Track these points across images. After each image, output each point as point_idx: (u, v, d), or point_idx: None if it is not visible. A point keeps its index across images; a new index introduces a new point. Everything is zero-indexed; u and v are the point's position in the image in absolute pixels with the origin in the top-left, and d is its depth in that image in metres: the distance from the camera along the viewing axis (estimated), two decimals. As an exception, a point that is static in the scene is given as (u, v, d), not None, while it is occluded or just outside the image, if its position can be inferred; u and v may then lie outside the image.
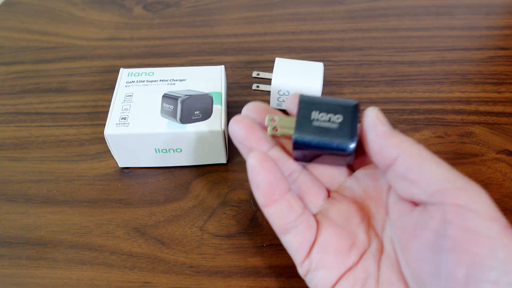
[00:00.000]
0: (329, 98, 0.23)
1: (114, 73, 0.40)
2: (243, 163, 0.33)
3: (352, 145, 0.22)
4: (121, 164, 0.33)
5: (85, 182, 0.32)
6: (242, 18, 0.46)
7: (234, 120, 0.24)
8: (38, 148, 0.35)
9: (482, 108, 0.36)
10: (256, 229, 0.29)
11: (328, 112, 0.22)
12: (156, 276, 0.27)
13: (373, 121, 0.21)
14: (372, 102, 0.37)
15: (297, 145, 0.23)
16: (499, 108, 0.36)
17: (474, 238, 0.16)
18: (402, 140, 0.20)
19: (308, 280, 0.22)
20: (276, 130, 0.24)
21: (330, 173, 0.24)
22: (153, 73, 0.33)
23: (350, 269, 0.21)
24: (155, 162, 0.32)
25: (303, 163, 0.25)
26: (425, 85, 0.38)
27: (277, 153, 0.24)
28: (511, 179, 0.31)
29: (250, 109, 0.25)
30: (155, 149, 0.31)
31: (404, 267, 0.20)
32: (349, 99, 0.23)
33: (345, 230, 0.22)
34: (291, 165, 0.24)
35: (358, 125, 0.23)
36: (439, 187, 0.18)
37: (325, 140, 0.22)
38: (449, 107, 0.36)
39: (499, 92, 0.37)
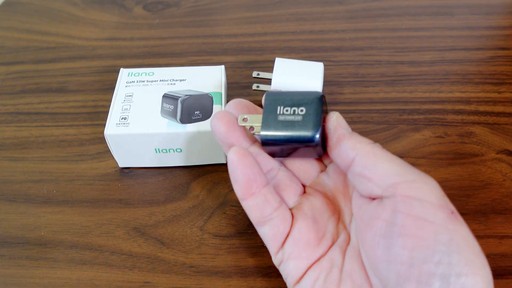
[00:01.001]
0: (295, 92, 0.24)
1: (114, 73, 0.40)
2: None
3: (317, 135, 0.23)
4: (121, 164, 0.33)
5: (85, 182, 0.32)
6: (242, 18, 0.46)
7: (216, 116, 0.25)
8: (38, 148, 0.35)
9: (482, 108, 0.36)
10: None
11: (292, 106, 0.23)
12: (156, 276, 0.27)
13: (333, 125, 0.22)
14: (372, 102, 0.37)
15: (265, 141, 0.23)
16: (499, 108, 0.36)
17: (420, 224, 0.18)
18: (358, 141, 0.21)
19: (281, 269, 0.24)
20: (252, 129, 0.24)
21: (305, 169, 0.26)
22: (153, 73, 0.33)
23: (317, 260, 0.23)
24: (155, 162, 0.32)
25: (280, 159, 0.26)
26: (425, 85, 0.38)
27: (256, 150, 0.25)
28: (511, 179, 0.31)
29: (232, 106, 0.26)
30: (155, 149, 0.31)
31: (362, 255, 0.22)
32: (315, 91, 0.24)
33: (316, 223, 0.24)
34: (270, 162, 0.25)
35: (324, 115, 0.24)
36: (392, 182, 0.20)
37: (290, 133, 0.23)
38: (449, 107, 0.36)
39: (499, 92, 0.37)
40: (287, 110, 0.23)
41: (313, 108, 0.23)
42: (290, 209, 0.25)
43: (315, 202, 0.25)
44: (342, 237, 0.24)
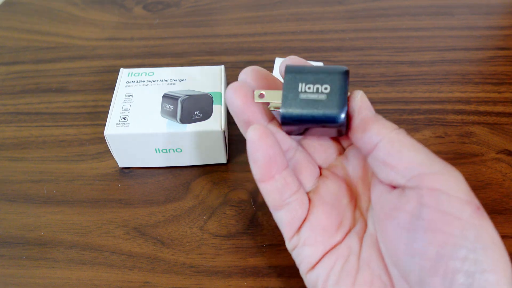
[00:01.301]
0: (317, 67, 0.22)
1: (114, 73, 0.40)
2: (243, 163, 0.33)
3: (342, 115, 0.21)
4: (121, 164, 0.33)
5: (85, 182, 0.32)
6: (242, 18, 0.46)
7: (232, 87, 0.22)
8: (38, 148, 0.35)
9: (482, 108, 0.36)
10: (256, 229, 0.29)
11: (315, 83, 0.21)
12: (156, 276, 0.27)
13: (357, 106, 0.21)
14: (372, 102, 0.36)
15: (286, 120, 0.22)
16: (499, 108, 0.36)
17: (447, 220, 0.17)
18: (383, 126, 0.20)
19: (294, 255, 0.23)
20: (268, 105, 0.23)
21: (323, 150, 0.24)
22: (153, 73, 0.33)
23: (334, 247, 0.22)
24: (155, 162, 0.32)
25: (297, 138, 0.25)
26: (425, 85, 0.38)
27: (273, 129, 0.23)
28: (511, 179, 0.31)
29: (248, 74, 0.23)
30: (155, 149, 0.31)
31: (382, 245, 0.21)
32: (339, 66, 0.22)
33: (334, 209, 0.23)
34: (287, 142, 0.24)
35: (349, 93, 0.22)
36: (416, 172, 0.19)
37: (313, 113, 0.21)
38: (449, 107, 0.36)
39: (499, 92, 0.37)
40: (309, 88, 0.21)
41: (338, 86, 0.21)
42: (307, 193, 0.24)
43: (332, 187, 0.23)
44: (359, 224, 0.23)
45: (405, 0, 0.47)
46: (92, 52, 0.43)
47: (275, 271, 0.27)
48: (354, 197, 0.24)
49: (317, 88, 0.21)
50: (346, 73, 0.22)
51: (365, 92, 0.38)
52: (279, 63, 0.34)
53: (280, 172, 0.22)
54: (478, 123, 0.35)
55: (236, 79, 0.39)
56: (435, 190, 0.18)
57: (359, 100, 0.21)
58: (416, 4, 0.46)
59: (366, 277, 0.21)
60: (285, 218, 0.23)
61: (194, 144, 0.31)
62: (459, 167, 0.32)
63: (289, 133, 0.24)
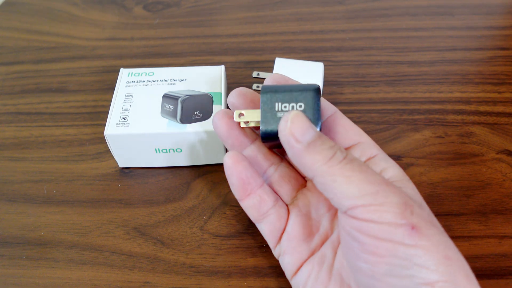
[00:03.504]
0: (291, 86, 0.24)
1: (114, 73, 0.40)
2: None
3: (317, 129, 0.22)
4: (121, 164, 0.33)
5: (85, 182, 0.32)
6: (242, 18, 0.46)
7: (217, 116, 0.25)
8: (38, 148, 0.35)
9: (482, 108, 0.36)
10: (256, 229, 0.29)
11: (290, 102, 0.23)
12: (156, 276, 0.27)
13: (286, 139, 0.21)
14: (372, 102, 0.37)
15: (265, 137, 0.23)
16: (499, 108, 0.36)
17: (377, 243, 0.19)
18: (314, 160, 0.20)
19: (280, 262, 0.25)
20: (247, 123, 0.24)
21: None
22: (153, 73, 0.33)
23: (312, 255, 0.24)
24: (155, 162, 0.32)
25: (281, 153, 0.27)
26: (425, 85, 0.38)
27: (256, 148, 0.26)
28: (511, 179, 0.31)
29: (234, 96, 0.26)
30: (155, 149, 0.31)
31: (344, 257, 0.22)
32: (310, 84, 0.23)
33: (310, 220, 0.25)
34: (270, 159, 0.26)
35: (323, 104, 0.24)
36: (349, 205, 0.19)
37: None
38: (449, 107, 0.36)
39: (499, 92, 0.37)
40: (285, 107, 0.23)
41: (311, 103, 0.23)
42: (287, 205, 0.25)
43: (312, 198, 0.25)
44: (336, 234, 0.24)
45: (405, 0, 0.47)
46: (92, 52, 0.43)
47: (275, 271, 0.27)
48: (333, 206, 0.25)
49: (292, 106, 0.23)
50: (317, 90, 0.23)
51: (366, 92, 0.38)
52: (279, 63, 0.34)
53: (255, 191, 0.24)
54: (478, 123, 0.35)
55: (236, 79, 0.39)
56: (365, 221, 0.19)
57: (288, 129, 0.21)
58: (416, 4, 0.46)
59: (337, 286, 0.22)
60: (265, 229, 0.25)
61: (194, 144, 0.31)
62: (459, 167, 0.32)
63: (270, 147, 0.26)
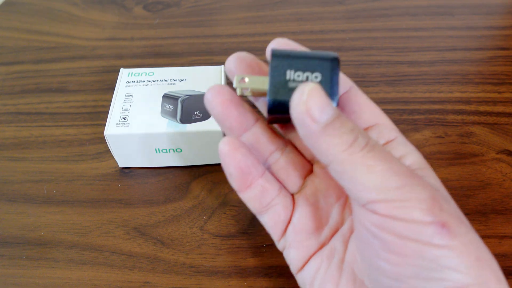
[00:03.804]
0: (306, 53, 0.20)
1: (114, 73, 0.40)
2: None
3: (334, 105, 0.19)
4: (121, 164, 0.33)
5: (85, 182, 0.32)
6: (242, 18, 0.46)
7: (211, 92, 0.21)
8: (38, 148, 0.35)
9: (482, 108, 0.36)
10: (256, 229, 0.29)
11: (304, 70, 0.20)
12: (156, 276, 0.27)
13: (301, 117, 0.17)
14: (372, 102, 0.36)
15: (273, 111, 0.20)
16: (499, 108, 0.36)
17: (403, 243, 0.17)
18: (331, 144, 0.17)
19: (284, 256, 0.23)
20: (247, 91, 0.21)
21: None
22: (153, 73, 0.33)
23: (320, 248, 0.22)
24: (155, 162, 0.32)
25: (286, 137, 0.24)
26: (425, 85, 0.38)
27: (258, 131, 0.22)
28: (511, 179, 0.31)
29: (233, 62, 0.22)
30: (155, 149, 0.31)
31: (359, 251, 0.20)
32: (329, 52, 0.20)
33: (319, 210, 0.22)
34: (274, 143, 0.23)
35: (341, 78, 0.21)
36: (370, 199, 0.17)
37: None
38: (449, 107, 0.36)
39: (499, 92, 0.37)
40: (298, 76, 0.20)
41: (329, 74, 0.20)
42: (293, 194, 0.23)
43: (321, 185, 0.23)
44: (347, 224, 0.22)
45: (405, 0, 0.47)
46: (92, 52, 0.43)
47: (275, 271, 0.27)
48: (344, 195, 0.23)
49: (307, 77, 0.20)
50: (337, 60, 0.20)
51: (366, 92, 0.38)
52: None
53: (256, 180, 0.22)
54: (478, 123, 0.35)
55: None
56: (389, 217, 0.17)
57: (303, 104, 0.17)
58: (416, 4, 0.46)
59: (349, 281, 0.20)
60: (268, 222, 0.22)
61: (194, 144, 0.31)
62: (459, 167, 0.32)
63: (272, 122, 0.22)
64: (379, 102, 0.37)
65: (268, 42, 0.46)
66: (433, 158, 0.32)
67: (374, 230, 0.17)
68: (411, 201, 0.17)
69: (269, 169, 0.23)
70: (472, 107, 0.36)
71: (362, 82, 0.38)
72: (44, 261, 0.28)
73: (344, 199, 0.23)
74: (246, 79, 0.20)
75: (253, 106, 0.24)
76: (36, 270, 0.28)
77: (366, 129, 0.21)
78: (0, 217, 0.31)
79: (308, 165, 0.24)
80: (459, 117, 0.35)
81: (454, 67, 0.39)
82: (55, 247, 0.29)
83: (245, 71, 0.21)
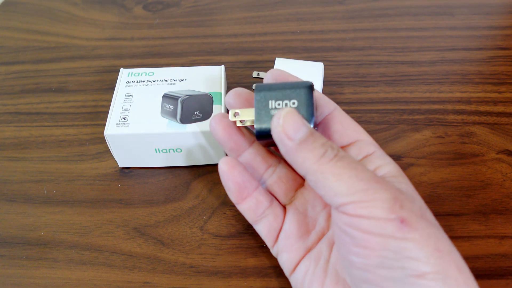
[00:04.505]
0: (284, 84, 0.24)
1: (114, 73, 0.40)
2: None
3: (310, 126, 0.22)
4: (121, 164, 0.32)
5: (85, 182, 0.32)
6: (242, 18, 0.46)
7: (214, 120, 0.25)
8: (38, 148, 0.35)
9: (482, 108, 0.36)
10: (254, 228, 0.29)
11: (283, 99, 0.23)
12: (156, 276, 0.27)
13: (279, 136, 0.21)
14: (372, 102, 0.36)
15: (260, 136, 0.23)
16: (499, 108, 0.36)
17: (368, 237, 0.19)
18: (306, 158, 0.20)
19: (278, 260, 0.25)
20: (242, 122, 0.25)
21: None
22: (153, 73, 0.33)
23: (308, 252, 0.24)
24: (155, 162, 0.32)
25: (279, 155, 0.27)
26: (425, 85, 0.38)
27: (254, 151, 0.26)
28: (511, 179, 0.31)
29: (231, 97, 0.26)
30: (155, 149, 0.31)
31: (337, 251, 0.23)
32: (304, 81, 0.23)
33: (307, 217, 0.25)
34: (268, 160, 0.26)
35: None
36: (340, 202, 0.20)
37: None
38: (449, 107, 0.36)
39: (499, 92, 0.37)
40: (279, 104, 0.23)
41: (304, 100, 0.23)
42: (284, 205, 0.26)
43: (308, 196, 0.26)
44: (332, 230, 0.24)
45: (405, 0, 0.47)
46: (92, 52, 0.43)
47: (275, 271, 0.27)
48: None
49: (286, 104, 0.23)
50: (310, 87, 0.23)
51: (366, 92, 0.38)
52: (279, 63, 0.34)
53: (251, 193, 0.25)
54: (479, 123, 0.35)
55: (236, 79, 0.39)
56: (356, 217, 0.19)
57: (280, 126, 0.21)
58: (416, 4, 0.46)
59: (333, 280, 0.23)
60: (263, 230, 0.25)
61: (194, 144, 0.31)
62: (459, 167, 0.32)
63: (266, 145, 0.26)
64: (379, 102, 0.37)
65: (268, 42, 0.46)
66: (433, 158, 0.32)
67: (345, 229, 0.20)
68: (374, 202, 0.19)
69: (264, 183, 0.26)
70: (472, 107, 0.36)
71: (362, 82, 0.38)
72: (44, 261, 0.28)
73: (330, 208, 0.25)
74: (239, 112, 0.24)
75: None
76: (36, 270, 0.28)
77: (348, 145, 0.24)
78: (0, 217, 0.31)
79: (300, 179, 0.27)
80: (459, 117, 0.35)
81: (454, 67, 0.39)
82: (55, 247, 0.29)
83: (242, 104, 0.25)
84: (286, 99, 0.23)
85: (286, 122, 0.21)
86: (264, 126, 0.23)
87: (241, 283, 0.27)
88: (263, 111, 0.23)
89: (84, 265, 0.28)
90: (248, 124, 0.25)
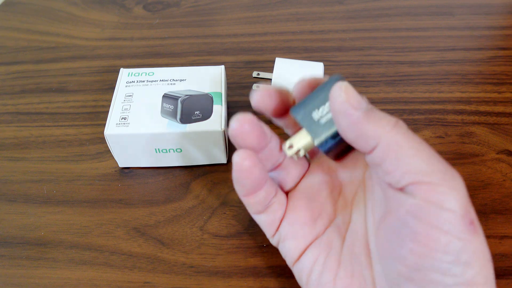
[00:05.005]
0: (315, 91, 0.22)
1: (114, 73, 0.40)
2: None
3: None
4: (121, 164, 0.33)
5: (85, 182, 0.32)
6: (242, 18, 0.46)
7: (240, 127, 0.22)
8: (38, 148, 0.35)
9: (482, 108, 0.36)
10: (256, 229, 0.29)
11: (324, 102, 0.22)
12: (156, 276, 0.27)
13: (343, 107, 0.19)
14: (372, 102, 0.36)
15: (328, 149, 0.22)
16: (499, 108, 0.36)
17: (432, 233, 0.17)
18: (378, 125, 0.18)
19: (279, 249, 0.24)
20: (299, 152, 0.23)
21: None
22: (153, 73, 0.33)
23: (315, 239, 0.23)
24: (155, 162, 0.32)
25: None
26: (425, 85, 0.38)
27: (273, 145, 0.24)
28: (511, 179, 0.31)
29: (241, 121, 0.22)
30: (155, 149, 0.31)
31: (371, 242, 0.21)
32: (332, 76, 0.22)
33: (312, 202, 0.23)
34: (278, 142, 0.24)
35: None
36: (413, 180, 0.17)
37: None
38: (449, 107, 0.36)
39: (499, 92, 0.37)
40: (323, 110, 0.22)
41: None
42: (287, 191, 0.25)
43: (315, 180, 0.24)
44: (341, 218, 0.23)
45: (405, 0, 0.47)
46: (92, 52, 0.43)
47: (275, 271, 0.27)
48: (337, 188, 0.24)
49: (329, 107, 0.21)
50: (342, 78, 0.22)
51: (365, 93, 0.38)
52: (279, 63, 0.34)
53: (262, 187, 0.23)
54: (478, 123, 0.35)
55: (236, 79, 0.39)
56: (428, 202, 0.17)
57: (344, 99, 0.19)
58: (416, 4, 0.46)
59: (348, 272, 0.21)
60: (265, 220, 0.24)
61: (194, 144, 0.31)
62: (459, 167, 0.32)
63: (335, 157, 0.23)
64: (379, 102, 0.37)
65: (268, 42, 0.46)
66: (433, 158, 0.32)
67: (406, 218, 0.17)
68: (453, 190, 0.17)
69: (273, 167, 0.24)
70: (472, 107, 0.36)
71: (362, 82, 0.38)
72: (44, 261, 0.28)
73: (337, 192, 0.24)
74: (293, 144, 0.22)
75: (269, 123, 0.26)
76: (36, 270, 0.28)
77: None
78: (0, 217, 0.31)
79: (305, 165, 0.25)
80: (459, 117, 0.35)
81: (454, 67, 0.39)
82: (55, 247, 0.29)
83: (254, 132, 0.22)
84: (326, 100, 0.21)
85: (348, 93, 0.19)
86: (323, 136, 0.21)
87: (241, 283, 0.27)
88: (314, 126, 0.22)
89: (84, 265, 0.28)
90: (307, 150, 0.23)
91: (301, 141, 0.22)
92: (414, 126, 0.35)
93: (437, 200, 0.17)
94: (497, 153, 0.32)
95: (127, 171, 0.33)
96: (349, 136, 0.19)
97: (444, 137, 0.34)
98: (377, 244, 0.20)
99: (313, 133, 0.22)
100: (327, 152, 0.22)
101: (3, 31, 0.46)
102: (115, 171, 0.33)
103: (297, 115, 0.22)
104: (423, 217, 0.17)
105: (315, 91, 0.22)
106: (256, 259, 0.28)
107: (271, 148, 0.23)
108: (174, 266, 0.28)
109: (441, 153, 0.33)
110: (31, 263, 0.28)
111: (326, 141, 0.22)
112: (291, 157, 0.23)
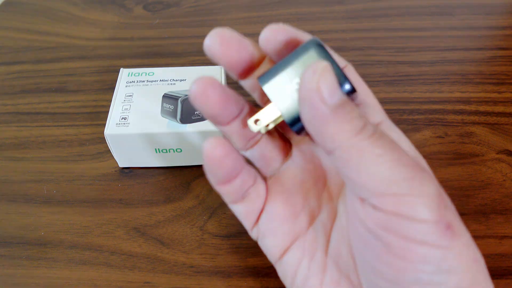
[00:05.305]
0: (288, 59, 0.19)
1: (114, 73, 0.40)
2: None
3: (347, 87, 0.18)
4: (121, 164, 0.33)
5: (85, 182, 0.32)
6: (242, 18, 0.46)
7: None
8: (38, 148, 0.35)
9: (482, 108, 0.36)
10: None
11: (298, 76, 0.18)
12: (156, 276, 0.27)
13: (310, 96, 0.16)
14: (372, 102, 0.36)
15: (298, 128, 0.19)
16: (499, 108, 0.36)
17: (407, 246, 0.15)
18: (340, 129, 0.16)
19: (260, 245, 0.22)
20: (268, 126, 0.19)
21: None
22: (153, 73, 0.33)
23: (298, 238, 0.21)
24: (155, 162, 0.32)
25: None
26: (425, 85, 0.38)
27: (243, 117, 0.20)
28: (511, 179, 0.31)
29: (214, 40, 0.20)
30: (155, 149, 0.31)
31: (353, 247, 0.19)
32: (306, 42, 0.19)
33: (294, 196, 0.21)
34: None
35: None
36: (378, 191, 0.16)
37: None
38: (449, 107, 0.36)
39: (499, 92, 0.37)
40: (297, 83, 0.18)
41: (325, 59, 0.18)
42: (267, 179, 0.22)
43: (297, 170, 0.21)
44: (326, 213, 0.21)
45: (405, 0, 0.47)
46: (92, 52, 0.43)
47: (275, 271, 0.27)
48: (322, 179, 0.21)
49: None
50: (319, 45, 0.18)
51: (365, 92, 0.38)
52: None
53: (238, 175, 0.20)
54: (478, 123, 0.35)
55: (236, 80, 0.39)
56: (397, 215, 0.15)
57: (314, 86, 0.15)
58: (417, 4, 0.46)
59: (334, 277, 0.19)
60: (242, 211, 0.21)
61: (194, 144, 0.31)
62: (459, 167, 0.32)
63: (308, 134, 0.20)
64: (379, 102, 0.37)
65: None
66: (433, 158, 0.32)
67: (378, 232, 0.16)
68: (421, 197, 0.15)
69: (253, 152, 0.21)
70: (472, 107, 0.36)
71: (362, 82, 0.38)
72: (44, 261, 0.28)
73: (322, 183, 0.21)
74: (259, 117, 0.19)
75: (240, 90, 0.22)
76: (36, 270, 0.28)
77: None
78: (0, 217, 0.31)
79: (287, 146, 0.22)
80: (459, 117, 0.35)
81: (454, 67, 0.39)
82: (55, 247, 0.29)
83: (230, 50, 0.20)
84: (299, 73, 0.18)
85: (322, 80, 0.15)
86: (297, 113, 0.18)
87: (241, 283, 0.27)
88: (285, 100, 0.18)
89: (84, 265, 0.28)
90: (277, 125, 0.20)
91: (269, 115, 0.19)
92: (414, 126, 0.35)
93: (405, 213, 0.15)
94: (497, 153, 0.32)
95: (127, 171, 0.33)
96: (308, 129, 0.17)
97: (444, 137, 0.34)
98: (355, 251, 0.18)
99: (284, 109, 0.18)
100: (299, 132, 0.19)
101: (3, 31, 0.46)
102: (115, 171, 0.33)
103: (265, 87, 0.19)
104: (394, 229, 0.16)
105: (289, 57, 0.19)
106: (256, 259, 0.28)
107: (245, 121, 0.20)
108: (174, 266, 0.28)
109: (441, 153, 0.33)
110: (31, 263, 0.28)
111: (298, 119, 0.18)
112: (258, 131, 0.19)
